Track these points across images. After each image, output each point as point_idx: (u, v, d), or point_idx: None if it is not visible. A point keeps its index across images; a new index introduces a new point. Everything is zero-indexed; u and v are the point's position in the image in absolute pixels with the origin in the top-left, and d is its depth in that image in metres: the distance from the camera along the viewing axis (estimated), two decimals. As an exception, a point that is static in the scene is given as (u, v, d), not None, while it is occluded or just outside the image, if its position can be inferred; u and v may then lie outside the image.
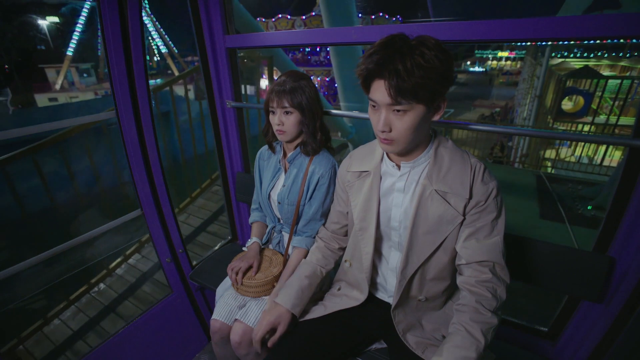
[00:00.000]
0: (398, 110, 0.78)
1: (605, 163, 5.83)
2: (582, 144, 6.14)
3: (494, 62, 42.24)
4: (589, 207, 4.20)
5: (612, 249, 1.07)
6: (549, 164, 6.89)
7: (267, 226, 1.47)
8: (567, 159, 6.32)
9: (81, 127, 2.71)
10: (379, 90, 0.78)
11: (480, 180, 0.86)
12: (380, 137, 0.84)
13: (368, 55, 0.79)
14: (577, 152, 6.15)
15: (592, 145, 6.28)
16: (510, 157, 9.98)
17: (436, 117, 0.83)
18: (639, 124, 0.97)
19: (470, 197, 0.86)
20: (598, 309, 1.14)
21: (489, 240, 0.86)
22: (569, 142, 6.61)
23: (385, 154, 0.97)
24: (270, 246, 1.44)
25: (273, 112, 1.23)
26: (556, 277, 1.12)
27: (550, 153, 7.07)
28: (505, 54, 40.30)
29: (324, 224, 1.25)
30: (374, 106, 0.83)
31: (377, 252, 1.04)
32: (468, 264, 0.88)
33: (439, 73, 0.75)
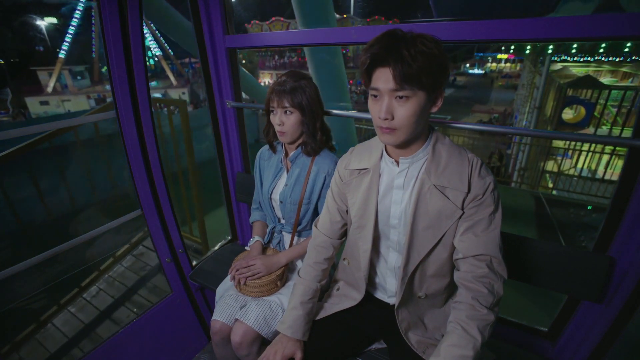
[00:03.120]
0: (401, 97, 0.79)
1: (610, 177, 5.48)
2: (584, 155, 5.99)
3: (494, 64, 42.21)
4: (589, 207, 4.11)
5: (612, 249, 1.07)
6: (549, 180, 6.48)
7: (268, 226, 1.47)
8: (569, 171, 6.09)
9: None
10: (382, 78, 0.79)
11: (478, 174, 0.87)
12: (381, 126, 0.83)
13: (370, 45, 0.79)
14: (579, 165, 5.94)
15: (595, 156, 6.18)
16: (508, 168, 9.79)
17: (434, 109, 0.85)
18: (639, 125, 0.97)
19: (469, 191, 0.86)
20: (598, 309, 1.14)
21: (487, 234, 0.86)
22: (570, 153, 6.47)
23: (384, 151, 0.97)
24: (271, 246, 1.44)
25: (273, 112, 1.23)
26: (556, 277, 1.12)
27: (552, 166, 6.76)
28: (504, 56, 40.25)
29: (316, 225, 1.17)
30: (374, 96, 0.83)
31: (376, 251, 1.04)
32: (465, 258, 0.88)
33: (438, 62, 0.77)
